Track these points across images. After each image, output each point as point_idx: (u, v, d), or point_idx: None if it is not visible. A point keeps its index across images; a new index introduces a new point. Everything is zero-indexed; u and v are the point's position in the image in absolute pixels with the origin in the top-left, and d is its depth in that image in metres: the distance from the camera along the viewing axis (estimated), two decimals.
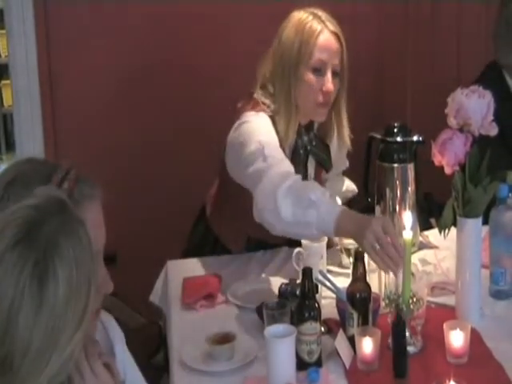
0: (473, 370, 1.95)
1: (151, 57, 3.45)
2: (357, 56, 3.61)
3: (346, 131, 2.64)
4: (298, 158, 2.56)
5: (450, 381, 1.80)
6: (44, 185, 1.39)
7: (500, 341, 2.08)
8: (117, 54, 3.43)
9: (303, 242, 2.44)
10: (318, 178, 2.69)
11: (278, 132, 2.47)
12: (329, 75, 2.45)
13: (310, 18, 2.46)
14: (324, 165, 2.70)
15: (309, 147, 2.61)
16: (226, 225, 2.71)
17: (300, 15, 2.48)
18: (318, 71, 2.44)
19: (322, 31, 2.44)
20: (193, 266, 2.62)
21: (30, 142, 3.37)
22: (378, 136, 2.65)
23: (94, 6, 3.35)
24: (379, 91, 3.66)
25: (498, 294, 2.32)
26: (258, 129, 2.41)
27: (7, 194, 1.39)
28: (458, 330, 1.97)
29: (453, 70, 3.63)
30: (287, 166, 2.34)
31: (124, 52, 3.43)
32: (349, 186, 2.90)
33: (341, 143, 2.69)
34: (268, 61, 2.53)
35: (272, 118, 2.48)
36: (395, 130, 2.61)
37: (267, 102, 2.50)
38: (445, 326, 1.99)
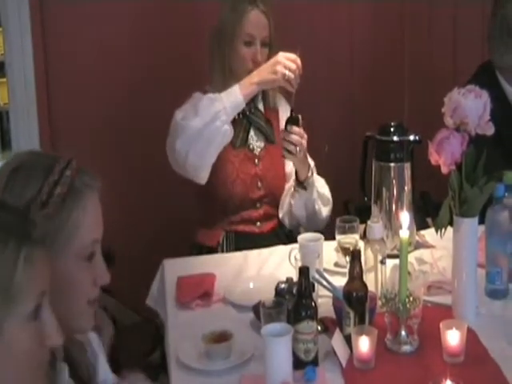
0: (469, 369, 1.95)
1: (150, 55, 3.44)
2: (353, 55, 3.65)
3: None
4: (238, 122, 2.83)
5: (446, 380, 1.80)
6: (47, 173, 1.44)
7: (496, 340, 2.09)
8: (114, 51, 3.42)
9: (300, 240, 2.45)
10: (269, 149, 2.92)
11: None
12: (258, 47, 2.79)
13: None
14: (265, 134, 2.92)
15: (247, 113, 2.87)
16: (204, 226, 2.93)
17: None
18: (249, 43, 2.79)
19: (252, 10, 2.79)
20: (189, 265, 2.62)
21: (27, 140, 3.37)
22: (375, 135, 2.65)
23: (90, 3, 3.34)
24: (376, 91, 3.66)
25: (493, 294, 2.32)
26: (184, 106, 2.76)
27: (12, 181, 1.44)
28: (454, 329, 1.98)
29: (449, 70, 3.63)
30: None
31: (121, 50, 3.43)
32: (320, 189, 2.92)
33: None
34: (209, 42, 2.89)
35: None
36: (392, 130, 2.61)
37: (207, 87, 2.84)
38: (441, 325, 2.00)
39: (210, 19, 3.34)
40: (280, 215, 2.94)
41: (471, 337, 2.04)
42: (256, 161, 2.90)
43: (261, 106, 2.94)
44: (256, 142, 2.91)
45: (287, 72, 2.62)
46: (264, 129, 2.92)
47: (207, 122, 2.61)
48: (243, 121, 2.87)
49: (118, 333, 2.65)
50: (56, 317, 1.44)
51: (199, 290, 2.40)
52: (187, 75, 3.39)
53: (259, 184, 2.89)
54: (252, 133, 2.90)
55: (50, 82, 3.39)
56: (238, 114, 2.79)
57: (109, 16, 3.39)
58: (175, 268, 2.61)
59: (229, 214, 2.85)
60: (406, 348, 2.05)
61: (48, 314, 1.24)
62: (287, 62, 2.63)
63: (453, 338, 1.97)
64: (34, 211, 1.41)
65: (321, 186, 2.89)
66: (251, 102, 2.85)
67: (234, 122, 2.77)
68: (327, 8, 3.57)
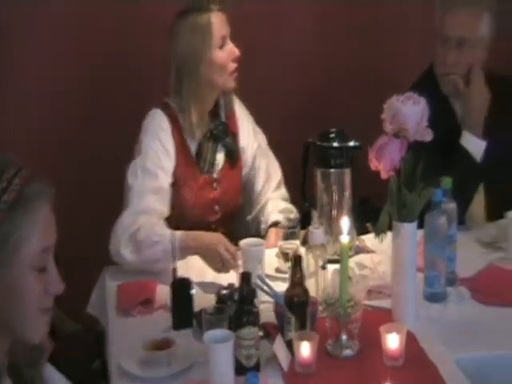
0: (409, 371, 1.98)
1: (102, 52, 3.37)
2: (293, 62, 3.65)
3: None
4: (205, 141, 2.78)
5: (386, 383, 1.82)
6: None
7: (435, 342, 2.12)
8: (64, 52, 3.36)
9: (242, 246, 2.45)
10: (228, 170, 2.85)
11: (181, 128, 2.74)
12: (230, 44, 2.75)
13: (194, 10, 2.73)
14: (231, 150, 2.85)
15: (215, 131, 2.80)
16: None
17: (186, 17, 2.73)
18: (224, 46, 2.73)
19: (210, 15, 2.71)
20: (130, 272, 2.60)
21: None
22: (315, 141, 2.67)
23: (41, 8, 3.30)
24: (316, 96, 3.68)
25: (432, 297, 2.35)
26: (145, 149, 2.69)
27: None
28: (394, 332, 2.00)
29: (390, 76, 3.66)
30: (144, 204, 2.62)
31: (67, 50, 3.37)
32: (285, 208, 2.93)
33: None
34: (171, 68, 2.76)
35: (172, 114, 2.74)
36: (332, 136, 2.63)
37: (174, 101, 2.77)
38: (381, 328, 2.02)
39: (152, 20, 3.32)
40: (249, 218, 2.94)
41: (411, 340, 2.07)
42: (214, 185, 2.82)
43: (224, 117, 2.86)
44: (221, 163, 2.83)
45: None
46: (232, 147, 2.84)
47: (147, 261, 2.52)
48: (210, 139, 2.80)
49: (58, 341, 2.62)
50: (7, 326, 1.43)
51: (141, 297, 2.38)
52: (136, 75, 3.36)
53: (216, 208, 2.82)
54: (221, 154, 2.83)
55: None
56: (205, 133, 2.77)
57: (62, 13, 3.33)
58: (116, 275, 2.59)
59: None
60: (347, 352, 2.07)
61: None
62: (226, 256, 2.45)
63: (392, 341, 2.00)
64: None
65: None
66: (216, 116, 2.82)
67: (201, 142, 2.76)
68: (268, 9, 3.55)
